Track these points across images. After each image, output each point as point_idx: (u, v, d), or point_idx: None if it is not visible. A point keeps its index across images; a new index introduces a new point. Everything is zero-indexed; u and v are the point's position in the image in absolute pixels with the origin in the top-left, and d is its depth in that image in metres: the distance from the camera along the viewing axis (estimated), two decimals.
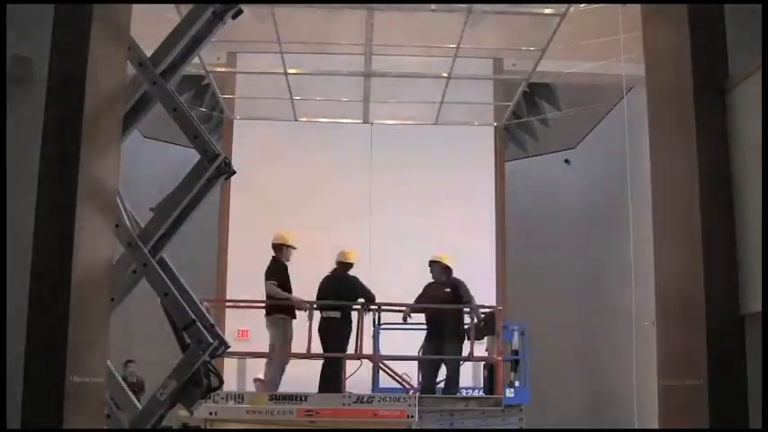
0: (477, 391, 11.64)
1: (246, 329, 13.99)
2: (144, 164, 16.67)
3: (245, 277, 13.98)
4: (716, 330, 6.22)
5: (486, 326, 9.99)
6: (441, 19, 11.59)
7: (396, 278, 12.81)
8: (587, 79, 13.61)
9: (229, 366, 13.98)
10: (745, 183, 6.31)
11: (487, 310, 10.56)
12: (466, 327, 9.98)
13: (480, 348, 10.41)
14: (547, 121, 16.13)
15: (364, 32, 12.00)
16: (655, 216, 7.57)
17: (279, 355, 8.71)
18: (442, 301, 10.19)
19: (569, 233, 17.83)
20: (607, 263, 16.08)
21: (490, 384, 9.54)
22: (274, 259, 10.18)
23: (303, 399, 8.06)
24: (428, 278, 11.29)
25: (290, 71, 12.51)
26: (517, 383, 11.78)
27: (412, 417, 7.91)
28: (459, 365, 9.64)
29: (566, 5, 10.52)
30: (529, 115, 15.70)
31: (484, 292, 13.81)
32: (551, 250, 17.41)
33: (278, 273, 9.83)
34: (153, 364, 14.84)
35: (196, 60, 12.23)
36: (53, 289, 6.14)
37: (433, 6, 10.93)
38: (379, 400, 8.09)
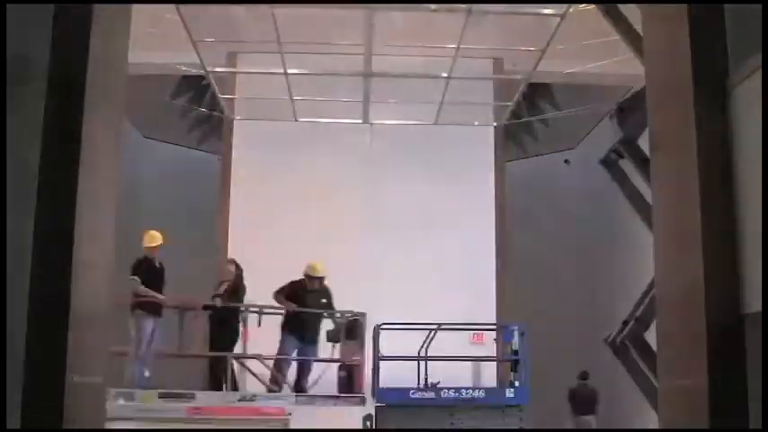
0: (478, 391, 11.62)
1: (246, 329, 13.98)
2: (144, 164, 16.67)
3: (245, 276, 13.99)
4: (716, 330, 6.22)
5: (350, 330, 10.67)
6: (441, 19, 11.59)
7: (395, 274, 12.82)
8: (587, 79, 13.60)
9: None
10: (746, 182, 6.32)
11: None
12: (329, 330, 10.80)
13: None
14: (547, 121, 16.13)
15: (364, 32, 11.99)
16: (655, 216, 7.57)
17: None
18: (320, 308, 10.85)
19: (569, 233, 17.83)
20: (607, 263, 16.09)
21: (349, 384, 10.39)
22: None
23: (191, 397, 8.39)
24: (427, 276, 11.27)
25: (290, 71, 12.51)
26: (517, 383, 11.79)
27: (290, 414, 8.49)
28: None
29: (566, 5, 10.52)
30: (529, 115, 15.70)
31: (484, 291, 13.83)
32: (551, 250, 17.41)
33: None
34: (153, 364, 14.85)
35: (196, 60, 12.23)
36: (53, 288, 6.15)
37: (432, 6, 10.92)
38: (261, 398, 8.80)
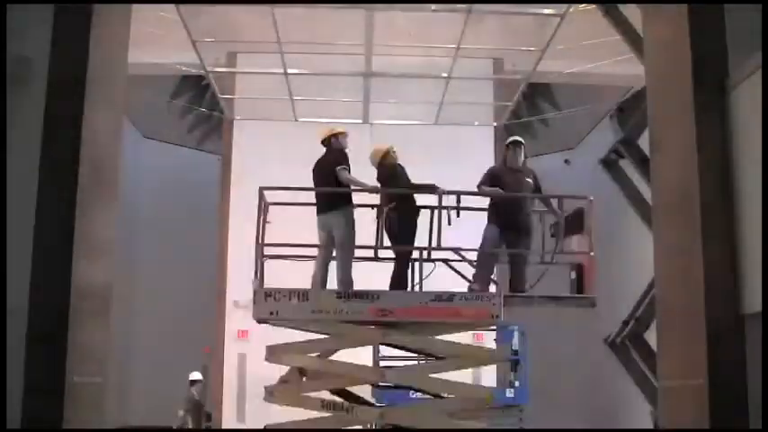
0: None
1: (246, 330, 13.97)
2: (144, 164, 16.65)
3: (245, 276, 13.98)
4: (716, 330, 6.22)
5: (574, 222, 8.66)
6: (441, 19, 11.57)
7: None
8: (587, 79, 13.58)
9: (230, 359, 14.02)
10: (746, 182, 6.31)
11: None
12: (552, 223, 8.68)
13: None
14: (547, 121, 16.11)
15: (364, 32, 11.97)
16: (655, 216, 7.57)
17: (346, 252, 7.78)
18: (525, 191, 8.66)
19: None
20: (607, 263, 16.06)
21: (579, 287, 8.57)
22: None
23: (375, 297, 7.08)
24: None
25: (290, 71, 12.49)
26: (517, 383, 11.76)
27: (497, 317, 7.08)
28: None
29: (566, 5, 10.50)
30: (529, 115, 15.67)
31: None
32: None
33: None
34: (152, 364, 14.87)
35: (196, 60, 12.21)
36: (53, 289, 6.14)
37: (432, 6, 10.90)
38: (460, 299, 7.03)
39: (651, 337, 12.42)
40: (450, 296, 7.14)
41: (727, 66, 6.39)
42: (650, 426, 12.14)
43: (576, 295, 7.88)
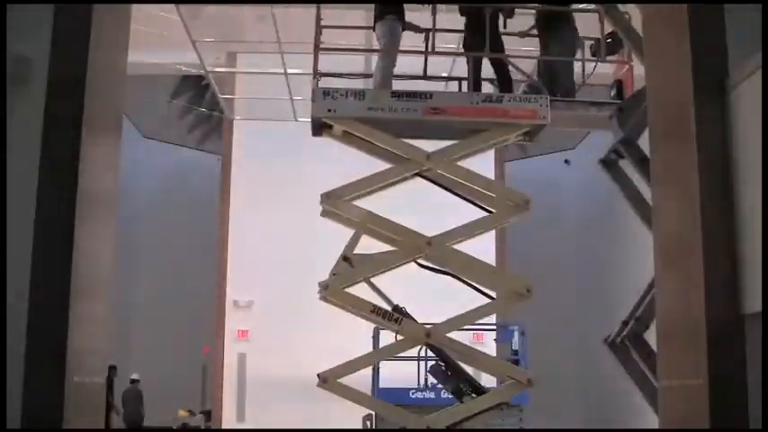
0: None
1: (246, 330, 13.99)
2: (144, 164, 16.66)
3: (246, 276, 14.00)
4: (716, 330, 6.22)
5: (614, 41, 8.63)
6: (441, 19, 11.56)
7: (394, 274, 12.77)
8: (587, 79, 13.57)
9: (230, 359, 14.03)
10: (746, 182, 6.31)
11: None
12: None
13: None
14: None
15: (364, 32, 11.97)
16: (654, 216, 7.57)
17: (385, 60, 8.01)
18: None
19: (569, 233, 17.82)
20: (607, 263, 16.08)
21: (619, 93, 8.70)
22: None
23: (428, 96, 7.30)
24: (427, 276, 10.96)
25: (290, 71, 12.49)
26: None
27: (544, 117, 7.20)
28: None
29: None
30: None
31: None
32: (551, 250, 17.39)
33: None
34: (152, 364, 14.88)
35: (196, 60, 12.22)
36: (53, 289, 6.14)
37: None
38: (508, 100, 7.30)
39: (651, 337, 12.41)
40: (500, 97, 7.46)
41: (727, 66, 6.39)
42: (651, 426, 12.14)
43: (616, 101, 7.97)
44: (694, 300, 6.17)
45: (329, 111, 7.22)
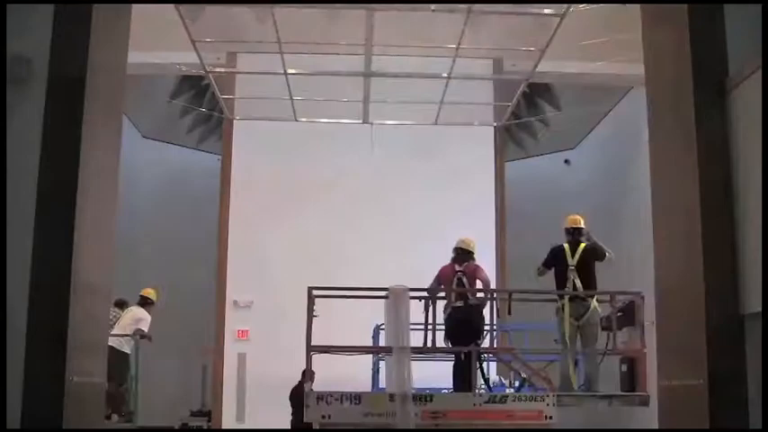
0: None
1: (246, 330, 13.99)
2: (144, 164, 16.65)
3: (246, 276, 14.00)
4: (716, 330, 6.21)
5: (625, 316, 8.66)
6: (441, 19, 11.58)
7: (394, 275, 12.79)
8: (587, 79, 13.59)
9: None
10: (745, 183, 6.31)
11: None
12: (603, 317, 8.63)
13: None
14: (547, 120, 16.11)
15: (364, 32, 11.98)
16: (654, 216, 7.56)
17: None
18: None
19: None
20: (607, 263, 16.05)
21: (630, 381, 8.40)
22: None
23: (429, 399, 7.13)
24: (427, 276, 10.93)
25: (290, 71, 12.50)
26: (517, 383, 11.75)
27: (550, 418, 7.09)
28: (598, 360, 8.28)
29: (566, 5, 10.51)
30: (529, 115, 15.68)
31: None
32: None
33: None
34: (152, 364, 14.87)
35: (196, 60, 12.22)
36: (53, 290, 6.14)
37: (432, 6, 10.90)
38: (513, 400, 7.14)
39: (651, 337, 12.40)
40: (503, 397, 7.25)
41: (727, 66, 6.39)
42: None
43: (629, 393, 7.79)
44: (695, 300, 6.17)
45: (323, 417, 7.11)
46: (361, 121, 14.37)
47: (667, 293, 6.92)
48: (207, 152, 17.03)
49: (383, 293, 7.98)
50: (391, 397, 6.92)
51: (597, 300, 8.32)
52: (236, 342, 14.05)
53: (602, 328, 8.60)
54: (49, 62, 6.21)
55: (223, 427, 13.73)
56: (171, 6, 10.49)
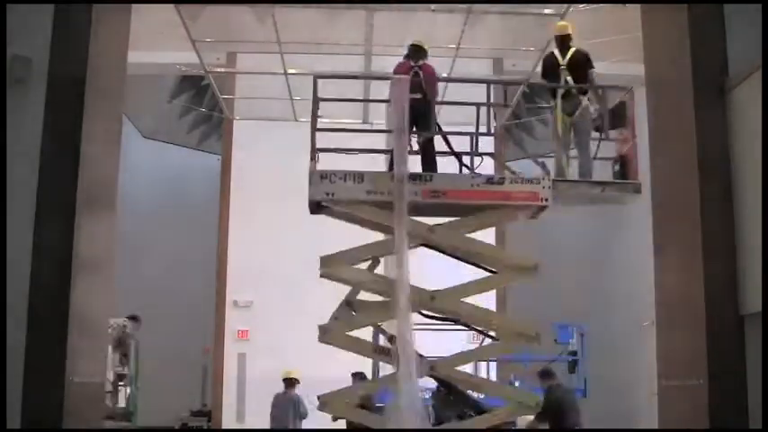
0: None
1: (246, 330, 13.98)
2: (143, 164, 16.65)
3: (246, 276, 13.98)
4: (716, 330, 6.21)
5: (617, 116, 8.70)
6: (440, 19, 11.57)
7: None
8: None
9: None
10: (745, 181, 6.31)
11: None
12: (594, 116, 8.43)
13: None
14: (547, 121, 16.10)
15: (364, 32, 11.97)
16: (655, 216, 7.56)
17: None
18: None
19: (569, 233, 17.81)
20: (607, 263, 16.08)
21: (623, 175, 8.53)
22: None
23: (428, 179, 7.26)
24: (427, 276, 10.88)
25: (290, 71, 12.48)
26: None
27: (546, 200, 7.12)
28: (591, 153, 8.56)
29: (566, 5, 10.51)
30: (529, 115, 15.67)
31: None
32: (551, 250, 17.38)
33: None
34: (152, 364, 14.88)
35: (196, 60, 12.21)
36: (53, 290, 6.14)
37: (432, 7, 10.90)
38: (510, 182, 7.21)
39: (652, 336, 12.40)
40: (501, 179, 7.32)
41: (727, 66, 6.39)
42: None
43: (623, 180, 7.80)
44: (694, 300, 6.17)
45: (327, 194, 7.13)
46: (361, 121, 14.35)
47: (668, 295, 6.92)
48: (207, 152, 17.03)
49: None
50: (393, 176, 6.99)
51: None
52: (236, 342, 14.04)
53: (595, 129, 8.59)
54: (49, 62, 6.22)
55: (223, 427, 13.73)
56: (171, 6, 10.49)
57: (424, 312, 7.14)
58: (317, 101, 7.96)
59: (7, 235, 5.90)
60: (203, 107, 15.53)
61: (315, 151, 7.69)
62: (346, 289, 7.55)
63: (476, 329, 7.63)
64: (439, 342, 9.81)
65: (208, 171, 15.49)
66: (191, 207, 16.60)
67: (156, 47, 11.79)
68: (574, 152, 8.37)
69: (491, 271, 7.41)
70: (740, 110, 6.26)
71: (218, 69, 13.53)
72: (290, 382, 10.58)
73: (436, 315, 7.33)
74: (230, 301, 14.14)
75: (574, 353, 12.03)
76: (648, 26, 7.49)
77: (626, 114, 7.69)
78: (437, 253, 7.59)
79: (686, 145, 6.50)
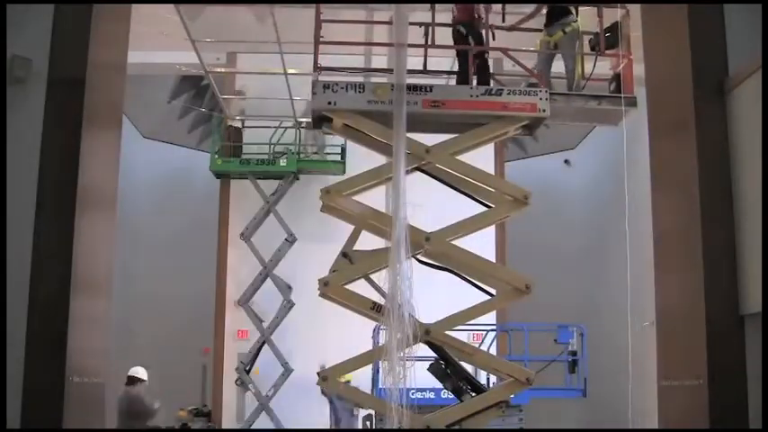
0: None
1: (246, 330, 13.98)
2: (143, 164, 16.65)
3: (246, 276, 13.99)
4: (716, 330, 6.22)
5: (612, 35, 8.43)
6: (440, 19, 11.55)
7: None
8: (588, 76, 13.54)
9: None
10: (745, 182, 6.31)
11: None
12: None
13: None
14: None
15: (364, 32, 11.96)
16: (654, 216, 7.57)
17: None
18: None
19: (569, 233, 17.82)
20: (607, 263, 16.07)
21: (618, 90, 8.66)
22: None
23: (428, 89, 7.30)
24: (426, 275, 10.87)
25: (290, 71, 12.48)
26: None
27: (543, 111, 7.22)
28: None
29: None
30: None
31: None
32: (551, 250, 17.39)
33: None
34: (152, 364, 14.88)
35: (196, 60, 12.21)
36: (53, 290, 6.13)
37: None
38: (508, 93, 7.27)
39: (652, 335, 12.40)
40: (499, 90, 7.39)
41: (727, 66, 6.39)
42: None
43: (619, 95, 7.82)
44: (694, 300, 6.17)
45: (329, 103, 7.19)
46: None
47: (668, 294, 6.92)
48: (207, 152, 17.05)
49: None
50: (393, 86, 7.06)
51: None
52: (236, 342, 14.04)
53: (591, 48, 8.61)
54: (49, 62, 6.22)
55: (223, 427, 13.74)
56: (171, 6, 10.49)
57: (420, 258, 7.18)
58: (319, 18, 8.03)
59: (7, 235, 5.90)
60: (203, 107, 15.53)
61: (318, 64, 7.77)
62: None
63: (469, 281, 7.63)
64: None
65: (208, 171, 15.49)
66: (190, 207, 16.61)
67: (156, 47, 11.79)
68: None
69: (486, 205, 7.47)
70: (740, 110, 6.26)
71: (218, 69, 13.53)
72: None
73: (432, 263, 7.36)
74: (230, 301, 14.15)
75: (574, 353, 12.02)
76: (648, 26, 7.48)
77: (619, 34, 7.72)
78: (435, 212, 7.68)
79: (686, 144, 6.50)
